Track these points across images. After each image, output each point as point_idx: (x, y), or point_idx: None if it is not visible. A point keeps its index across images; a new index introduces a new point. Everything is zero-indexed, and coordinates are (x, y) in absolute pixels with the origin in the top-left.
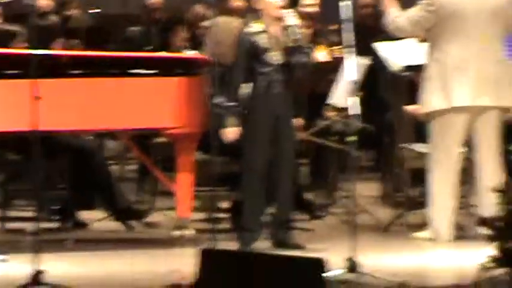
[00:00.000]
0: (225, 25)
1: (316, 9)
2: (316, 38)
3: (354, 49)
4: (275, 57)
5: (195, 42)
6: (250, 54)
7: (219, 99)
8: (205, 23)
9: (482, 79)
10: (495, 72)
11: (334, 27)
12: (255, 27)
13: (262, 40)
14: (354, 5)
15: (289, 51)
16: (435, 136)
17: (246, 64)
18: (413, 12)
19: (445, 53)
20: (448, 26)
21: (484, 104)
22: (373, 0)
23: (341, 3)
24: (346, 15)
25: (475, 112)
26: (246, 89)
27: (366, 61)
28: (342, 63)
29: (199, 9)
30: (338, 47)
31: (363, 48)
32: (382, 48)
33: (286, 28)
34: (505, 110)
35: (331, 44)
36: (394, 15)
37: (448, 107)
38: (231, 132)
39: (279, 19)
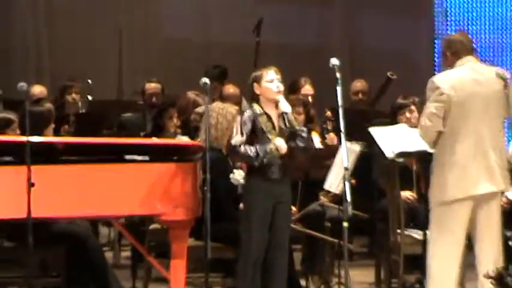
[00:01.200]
0: (221, 110)
1: (310, 96)
2: (310, 124)
3: (345, 135)
4: (274, 140)
5: (188, 128)
6: (251, 131)
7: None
8: (199, 109)
9: (491, 166)
10: (500, 158)
11: (328, 113)
12: (255, 108)
13: (263, 122)
14: (347, 91)
15: (288, 136)
16: (439, 222)
17: (250, 140)
18: (427, 108)
19: (457, 142)
20: (457, 113)
21: (493, 190)
22: (366, 86)
23: (338, 88)
24: (339, 101)
25: (482, 198)
26: (238, 176)
27: (358, 147)
28: (336, 149)
29: (191, 95)
30: (331, 133)
31: (357, 134)
32: (376, 133)
33: (281, 115)
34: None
35: (324, 130)
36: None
37: (466, 195)
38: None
39: (276, 105)
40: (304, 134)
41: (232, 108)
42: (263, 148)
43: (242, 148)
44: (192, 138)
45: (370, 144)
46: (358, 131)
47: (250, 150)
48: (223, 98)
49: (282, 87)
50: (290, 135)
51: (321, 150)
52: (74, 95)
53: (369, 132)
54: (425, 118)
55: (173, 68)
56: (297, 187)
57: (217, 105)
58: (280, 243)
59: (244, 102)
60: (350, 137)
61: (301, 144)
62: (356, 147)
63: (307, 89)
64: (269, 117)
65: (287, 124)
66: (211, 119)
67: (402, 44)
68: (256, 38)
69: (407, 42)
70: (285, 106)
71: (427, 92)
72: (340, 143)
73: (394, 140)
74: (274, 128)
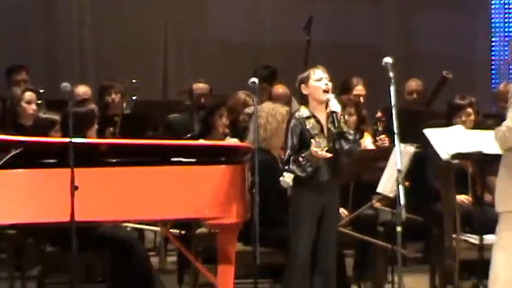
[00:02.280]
0: (271, 110)
1: (362, 96)
2: (362, 125)
3: (399, 136)
4: (322, 143)
5: (237, 129)
6: (300, 139)
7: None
8: (248, 110)
9: None
10: None
11: (379, 114)
12: (303, 111)
13: (310, 125)
14: (401, 92)
15: (334, 137)
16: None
17: (299, 146)
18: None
19: None
20: None
21: None
22: (421, 86)
23: (391, 88)
24: (392, 101)
25: None
26: (288, 178)
27: (412, 148)
28: (389, 150)
29: (241, 95)
30: (383, 134)
31: (411, 135)
32: (431, 134)
33: (330, 114)
34: None
35: (376, 131)
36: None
37: None
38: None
39: (325, 104)
40: (351, 136)
41: (282, 109)
42: (307, 156)
43: (290, 167)
44: (240, 139)
45: (425, 145)
46: (412, 132)
47: (297, 164)
48: (272, 99)
49: (330, 85)
50: (336, 137)
51: (372, 151)
52: (113, 96)
53: (423, 134)
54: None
55: (221, 69)
56: (348, 190)
57: (266, 105)
58: (329, 247)
59: (295, 103)
60: (404, 138)
61: (346, 146)
62: (410, 149)
63: (359, 90)
64: (318, 120)
65: (336, 125)
66: (260, 119)
67: (459, 42)
68: (307, 37)
69: (464, 40)
70: (335, 105)
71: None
72: (394, 145)
73: (450, 141)
74: (322, 130)
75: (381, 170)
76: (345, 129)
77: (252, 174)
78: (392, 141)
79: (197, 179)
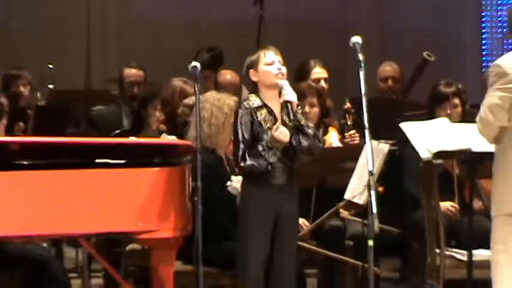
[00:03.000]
0: (216, 101)
1: (323, 80)
2: (326, 118)
3: (371, 132)
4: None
5: (174, 124)
6: (251, 132)
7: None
8: (188, 101)
9: None
10: None
11: (347, 105)
12: (253, 100)
13: (262, 116)
14: (373, 78)
15: (291, 132)
16: (506, 238)
17: (250, 141)
18: (490, 97)
19: None
20: None
21: None
22: (397, 71)
23: (360, 73)
24: (362, 90)
25: None
26: (237, 183)
27: (386, 146)
28: (359, 149)
29: (177, 83)
30: (352, 130)
31: (385, 130)
32: (409, 129)
33: (285, 104)
34: None
35: (344, 126)
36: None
37: None
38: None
39: (278, 93)
40: (310, 130)
41: (230, 99)
42: (264, 147)
43: (247, 162)
44: (179, 136)
45: (402, 143)
46: (386, 127)
47: (255, 157)
48: (218, 87)
49: (284, 70)
50: (292, 131)
51: (339, 150)
52: (21, 88)
53: (399, 128)
54: (487, 110)
55: (155, 53)
56: (309, 196)
57: (211, 95)
58: (286, 265)
59: (245, 92)
60: (377, 134)
61: (304, 142)
62: (384, 147)
63: (319, 73)
64: (270, 111)
65: (291, 117)
66: (203, 112)
67: (443, 19)
68: (259, 12)
69: (449, 16)
70: (290, 94)
71: (489, 77)
72: (364, 142)
73: (432, 137)
74: (275, 121)
75: (350, 172)
76: (303, 122)
77: (193, 179)
78: (362, 138)
79: (127, 184)
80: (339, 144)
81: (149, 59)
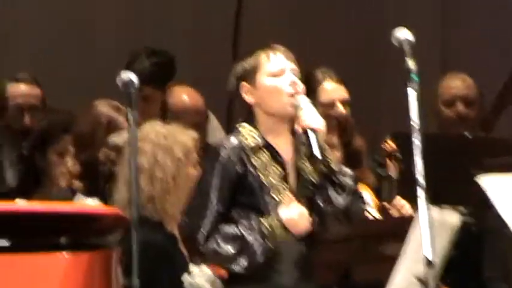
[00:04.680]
0: (162, 140)
1: (342, 105)
2: (352, 169)
3: (429, 192)
4: (286, 200)
5: (95, 179)
6: (237, 190)
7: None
8: (116, 139)
9: None
10: None
11: (388, 144)
12: (246, 135)
13: (261, 162)
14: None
15: (316, 186)
16: None
17: (224, 210)
18: None
19: None
20: None
21: None
22: (472, 88)
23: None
24: (414, 119)
25: None
26: (200, 278)
27: (455, 217)
28: (408, 221)
29: (102, 108)
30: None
31: (454, 188)
32: (493, 187)
33: (305, 137)
34: None
35: (383, 182)
36: None
37: None
38: None
39: (290, 121)
40: (348, 181)
41: (186, 136)
42: (257, 230)
43: (213, 243)
44: (103, 199)
45: (481, 210)
46: (455, 183)
47: (232, 242)
48: (168, 115)
49: (301, 86)
50: (320, 183)
51: (375, 224)
52: None
53: (477, 185)
54: None
55: (57, 59)
56: None
57: (153, 129)
58: None
59: (214, 123)
60: (438, 196)
61: (340, 200)
62: (451, 218)
63: (332, 90)
64: (274, 154)
65: (317, 157)
66: (141, 158)
67: None
68: None
69: None
70: (313, 117)
71: None
72: (417, 210)
73: None
74: (285, 175)
75: (391, 262)
76: (335, 166)
77: (125, 272)
78: (414, 202)
79: (13, 277)
80: (376, 215)
81: (49, 69)
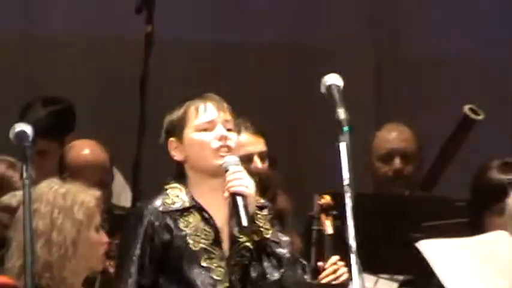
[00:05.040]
0: (60, 201)
1: (259, 158)
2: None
3: (362, 258)
4: (217, 271)
5: None
6: (160, 260)
7: None
8: (8, 200)
9: None
10: None
11: (323, 200)
12: (173, 197)
13: (190, 229)
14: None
15: (251, 256)
16: None
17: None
18: None
19: None
20: None
21: None
22: (411, 141)
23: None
24: (345, 178)
25: None
26: None
27: (393, 286)
28: None
29: None
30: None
31: (390, 254)
32: (434, 253)
33: (231, 200)
34: None
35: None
36: None
37: None
38: None
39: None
40: (285, 251)
41: (89, 196)
42: None
43: None
44: None
45: (422, 278)
46: (391, 248)
47: None
48: (66, 172)
49: (233, 141)
50: (255, 255)
51: None
52: None
53: (417, 251)
54: None
55: None
56: None
57: (50, 187)
58: None
59: (119, 180)
60: (374, 263)
61: (275, 274)
62: (388, 286)
63: (248, 144)
64: (208, 219)
65: (244, 225)
66: (38, 221)
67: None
68: (147, 28)
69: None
70: (239, 181)
71: None
72: (351, 279)
73: (478, 269)
74: (217, 240)
75: None
76: (269, 234)
77: None
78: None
79: None
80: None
81: None
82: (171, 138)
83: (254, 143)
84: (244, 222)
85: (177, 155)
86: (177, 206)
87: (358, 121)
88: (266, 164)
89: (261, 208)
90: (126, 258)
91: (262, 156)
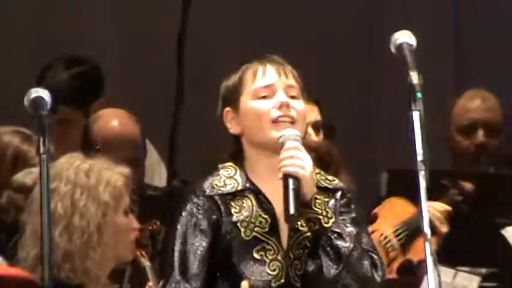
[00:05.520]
0: (83, 179)
1: (314, 130)
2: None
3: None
4: (272, 265)
5: None
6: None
7: None
8: (23, 177)
9: None
10: None
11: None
12: (225, 178)
13: (244, 215)
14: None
15: (312, 241)
16: None
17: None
18: None
19: None
20: None
21: None
22: (496, 112)
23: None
24: (418, 151)
25: None
26: None
27: (475, 280)
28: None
29: (8, 138)
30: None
31: (472, 243)
32: None
33: (284, 182)
34: None
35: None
36: None
37: None
38: None
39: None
40: (347, 244)
41: (116, 174)
42: None
43: None
44: (8, 257)
45: (509, 272)
46: (473, 237)
47: None
48: (90, 147)
49: (295, 111)
50: (312, 247)
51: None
52: None
53: (502, 239)
54: None
55: None
56: None
57: (73, 163)
58: None
59: (154, 156)
60: (452, 254)
61: (331, 270)
62: (467, 281)
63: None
64: (262, 201)
65: (292, 213)
66: (57, 204)
67: None
68: None
69: None
70: (294, 160)
71: None
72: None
73: None
74: (274, 229)
75: None
76: (330, 222)
77: None
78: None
79: None
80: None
81: None
82: (227, 108)
83: (308, 112)
84: (292, 209)
85: (233, 128)
86: (229, 188)
87: (433, 86)
88: (321, 136)
89: (333, 191)
90: (170, 253)
91: (316, 126)
